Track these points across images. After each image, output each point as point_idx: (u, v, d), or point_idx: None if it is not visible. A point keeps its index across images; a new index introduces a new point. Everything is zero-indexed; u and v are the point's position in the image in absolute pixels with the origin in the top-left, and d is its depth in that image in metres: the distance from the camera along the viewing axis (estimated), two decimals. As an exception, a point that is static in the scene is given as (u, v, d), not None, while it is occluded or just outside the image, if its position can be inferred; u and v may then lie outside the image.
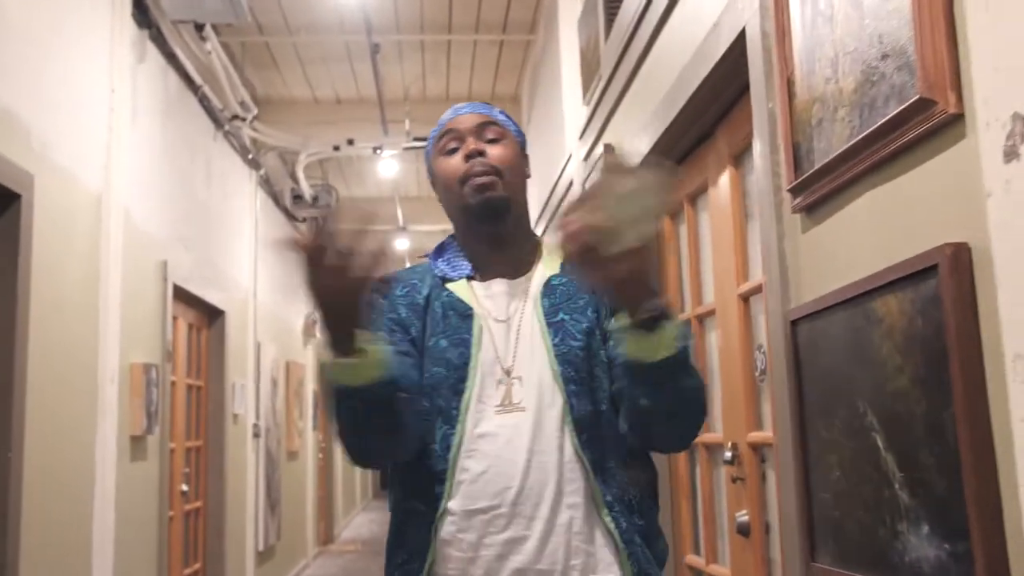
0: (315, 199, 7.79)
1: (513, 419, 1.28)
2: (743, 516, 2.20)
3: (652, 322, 1.13)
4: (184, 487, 4.89)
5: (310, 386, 9.00)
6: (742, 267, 2.25)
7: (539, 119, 5.49)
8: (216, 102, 5.33)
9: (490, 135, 1.37)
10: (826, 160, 1.43)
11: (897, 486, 1.22)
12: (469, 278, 1.38)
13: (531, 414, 1.28)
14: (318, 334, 8.09)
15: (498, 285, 1.37)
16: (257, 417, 6.43)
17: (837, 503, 1.41)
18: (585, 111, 3.61)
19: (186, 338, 5.07)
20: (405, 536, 1.31)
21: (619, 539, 1.26)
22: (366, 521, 13.35)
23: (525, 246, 1.41)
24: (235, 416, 5.81)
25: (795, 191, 1.56)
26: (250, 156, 6.32)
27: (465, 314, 1.34)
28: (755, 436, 2.17)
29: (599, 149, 3.32)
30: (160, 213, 4.42)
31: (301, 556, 8.52)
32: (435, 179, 1.41)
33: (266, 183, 6.89)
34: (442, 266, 1.40)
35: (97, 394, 3.53)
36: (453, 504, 1.27)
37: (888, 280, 1.24)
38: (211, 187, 5.46)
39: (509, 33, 5.50)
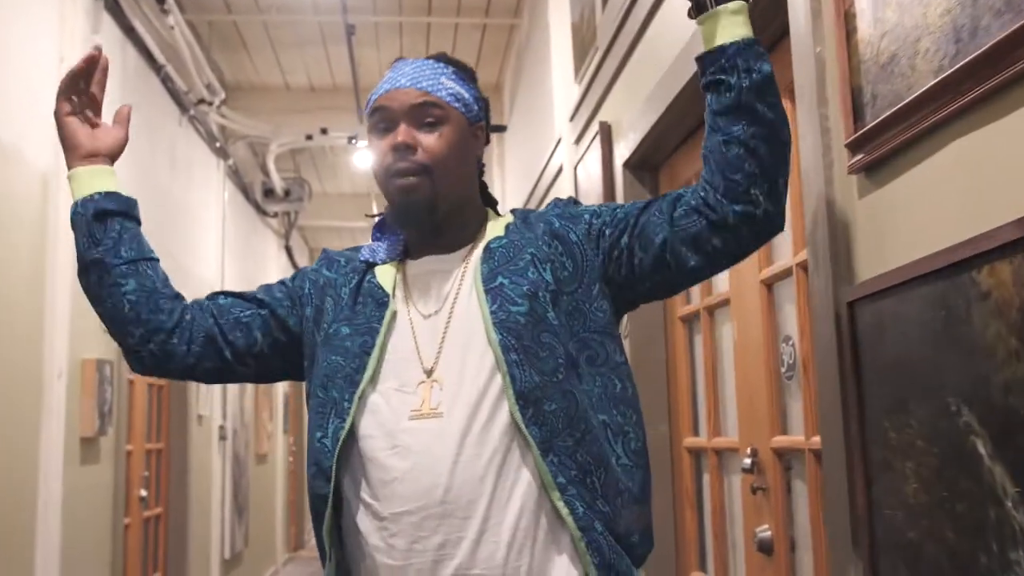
0: (287, 193, 7.48)
1: (431, 425, 1.16)
2: (765, 532, 1.94)
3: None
4: (143, 492, 4.58)
5: (280, 386, 8.67)
6: (765, 249, 1.99)
7: (524, 106, 5.23)
8: (180, 84, 5.03)
9: (428, 118, 1.23)
10: (898, 106, 1.18)
11: (1010, 504, 0.96)
12: (401, 260, 1.30)
13: (456, 420, 1.16)
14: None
15: (429, 263, 1.28)
16: (224, 418, 6.11)
17: (913, 522, 1.16)
18: (577, 90, 3.35)
19: (146, 334, 4.76)
20: (316, 533, 1.25)
21: (573, 526, 1.13)
22: (338, 526, 13.01)
23: (467, 227, 1.30)
24: (200, 417, 5.49)
25: (854, 147, 1.31)
26: (218, 144, 6.02)
27: (380, 301, 1.25)
28: (780, 441, 1.92)
29: (593, 127, 3.07)
30: (118, 199, 4.11)
31: (270, 563, 8.20)
32: (373, 155, 1.29)
33: (235, 174, 6.58)
34: (373, 248, 1.32)
35: (42, 392, 3.23)
36: (377, 506, 1.17)
37: (996, 244, 0.98)
38: (175, 176, 5.15)
39: (492, 16, 5.23)
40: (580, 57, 3.31)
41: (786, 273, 1.88)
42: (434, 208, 1.24)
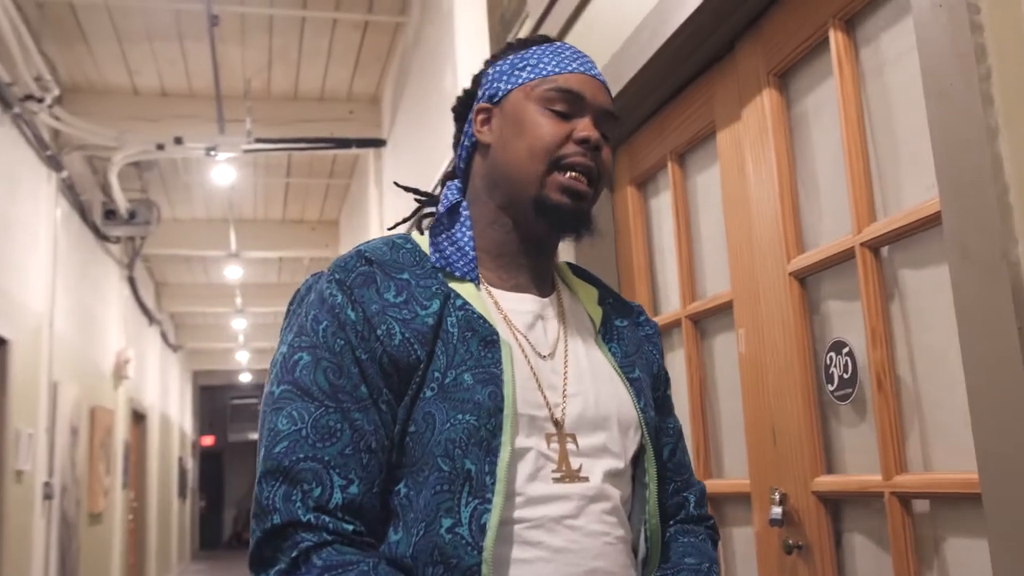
0: (132, 215, 6.62)
1: (572, 489, 0.94)
2: (808, 605, 1.46)
3: None
4: (-58, 568, 3.69)
5: (121, 435, 7.68)
6: (794, 233, 1.54)
7: (410, 117, 4.70)
8: (2, 74, 4.23)
9: (606, 129, 1.02)
10: None
11: None
12: (477, 280, 1.01)
13: (595, 485, 0.95)
14: (130, 374, 6.83)
15: (529, 303, 1.02)
16: (50, 474, 5.19)
17: None
18: (495, 74, 2.85)
19: (-48, 371, 3.89)
20: None
21: None
22: (183, 589, 11.82)
23: (551, 267, 1.08)
24: (19, 473, 4.59)
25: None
26: (48, 153, 5.17)
27: (489, 339, 0.96)
28: (828, 483, 1.45)
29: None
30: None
31: (104, 639, 7.15)
32: (505, 122, 1.01)
33: (70, 190, 5.71)
34: (444, 253, 1.00)
35: None
36: None
37: None
38: (-6, 184, 4.32)
39: (376, 12, 4.70)
40: (501, 34, 2.83)
41: (839, 259, 1.42)
42: (586, 225, 1.00)
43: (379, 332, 0.93)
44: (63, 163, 5.45)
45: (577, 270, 1.14)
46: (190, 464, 15.28)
